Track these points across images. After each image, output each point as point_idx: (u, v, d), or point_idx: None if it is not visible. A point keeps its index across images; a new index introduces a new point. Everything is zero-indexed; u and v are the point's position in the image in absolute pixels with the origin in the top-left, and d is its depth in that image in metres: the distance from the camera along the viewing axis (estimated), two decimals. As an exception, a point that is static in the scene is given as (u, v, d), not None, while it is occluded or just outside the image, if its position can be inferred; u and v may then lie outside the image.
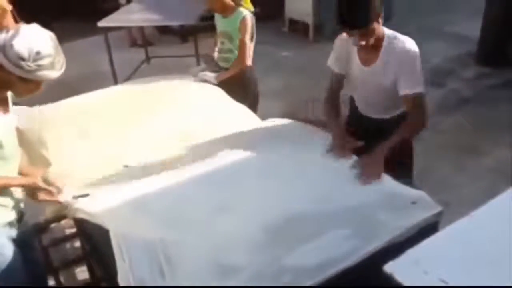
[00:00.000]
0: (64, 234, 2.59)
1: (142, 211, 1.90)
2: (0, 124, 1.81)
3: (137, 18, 5.02)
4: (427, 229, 1.69)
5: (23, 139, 2.11)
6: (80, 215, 1.99)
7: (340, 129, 2.31)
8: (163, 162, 2.23)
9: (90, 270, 2.49)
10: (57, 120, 2.59)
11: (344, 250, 1.64)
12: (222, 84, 3.11)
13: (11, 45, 1.65)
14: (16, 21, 3.05)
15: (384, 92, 2.26)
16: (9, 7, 2.57)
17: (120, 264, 1.64)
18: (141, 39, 6.29)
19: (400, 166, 2.20)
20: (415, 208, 1.82)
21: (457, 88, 5.01)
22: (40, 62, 1.68)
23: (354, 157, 2.13)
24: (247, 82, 3.30)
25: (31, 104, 2.59)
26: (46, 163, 2.27)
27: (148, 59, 5.98)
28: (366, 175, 2.01)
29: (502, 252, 1.31)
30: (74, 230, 2.45)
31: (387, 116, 2.36)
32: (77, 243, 2.63)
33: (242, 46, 3.18)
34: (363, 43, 2.11)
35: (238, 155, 2.24)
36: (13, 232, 1.93)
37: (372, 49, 2.18)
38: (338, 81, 2.41)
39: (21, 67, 1.67)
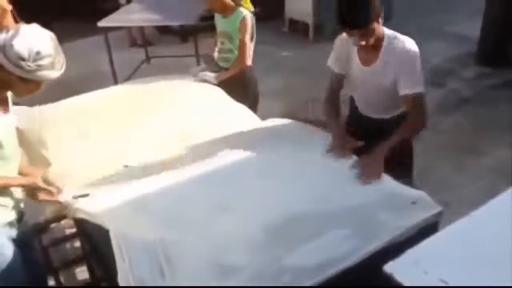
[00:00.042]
0: (64, 234, 2.59)
1: (142, 211, 1.90)
2: (0, 124, 1.81)
3: (137, 18, 5.02)
4: (427, 229, 1.69)
5: (23, 139, 2.11)
6: (80, 215, 1.99)
7: (340, 129, 2.31)
8: (163, 162, 2.23)
9: (90, 270, 2.49)
10: (57, 120, 2.59)
11: (344, 250, 1.64)
12: (222, 84, 3.11)
13: (11, 45, 1.65)
14: (16, 21, 3.05)
15: (384, 92, 2.26)
16: (9, 7, 2.57)
17: (120, 264, 1.64)
18: (141, 39, 6.29)
19: (400, 166, 2.20)
20: (415, 208, 1.82)
21: (457, 88, 5.01)
22: (40, 62, 1.68)
23: (354, 157, 2.13)
24: (247, 82, 3.30)
25: (31, 104, 2.59)
26: (46, 163, 2.27)
27: (148, 59, 5.98)
28: (366, 175, 2.01)
29: (502, 252, 1.31)
30: (74, 230, 2.45)
31: (387, 116, 2.36)
32: (77, 243, 2.63)
33: (242, 46, 3.18)
34: (363, 43, 2.10)
35: (238, 155, 2.24)
36: (13, 232, 1.93)
37: (372, 49, 2.18)
38: (338, 81, 2.41)
39: (21, 67, 1.67)
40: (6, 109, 1.86)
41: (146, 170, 2.17)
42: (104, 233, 1.76)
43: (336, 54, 2.38)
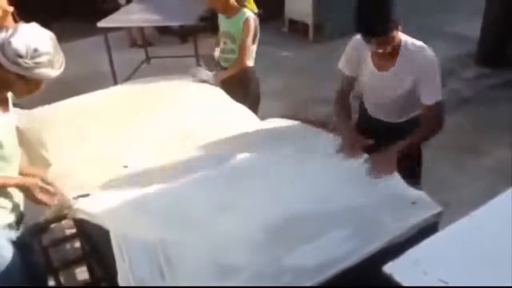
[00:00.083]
0: (64, 234, 2.58)
1: (142, 211, 1.90)
2: (0, 123, 1.80)
3: (137, 18, 5.03)
4: (427, 229, 1.69)
5: (23, 139, 2.10)
6: (80, 216, 1.98)
7: (350, 129, 2.30)
8: (163, 163, 2.23)
9: (90, 271, 2.49)
10: (57, 120, 2.59)
11: (344, 250, 1.64)
12: (223, 84, 3.11)
13: (9, 42, 1.64)
14: (15, 22, 3.05)
15: (399, 99, 2.24)
16: (10, 9, 2.57)
17: (120, 264, 1.64)
18: (141, 39, 6.29)
19: (409, 172, 2.17)
20: (415, 208, 1.82)
21: (457, 88, 5.01)
22: (38, 60, 1.67)
23: (365, 155, 2.12)
24: (248, 82, 3.31)
25: (31, 104, 2.59)
26: (46, 164, 2.26)
27: (148, 59, 5.97)
28: (378, 170, 2.01)
29: (502, 252, 1.31)
30: (74, 230, 2.45)
31: (399, 120, 2.35)
32: (77, 244, 2.62)
33: (243, 47, 3.19)
34: (381, 50, 2.08)
35: (238, 155, 2.24)
36: (13, 234, 1.92)
37: (387, 54, 2.14)
38: (349, 83, 2.40)
39: (18, 64, 1.66)
40: (6, 108, 1.85)
41: (146, 171, 2.17)
42: (104, 233, 1.76)
43: (348, 56, 2.35)
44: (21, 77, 1.71)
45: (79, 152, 2.33)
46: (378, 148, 2.13)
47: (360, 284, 1.64)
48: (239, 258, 1.65)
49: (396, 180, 1.98)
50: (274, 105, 4.09)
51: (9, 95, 1.88)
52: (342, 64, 2.39)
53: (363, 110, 2.51)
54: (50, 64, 1.71)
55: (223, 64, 3.36)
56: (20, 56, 1.65)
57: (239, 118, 2.70)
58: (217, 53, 3.41)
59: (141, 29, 6.11)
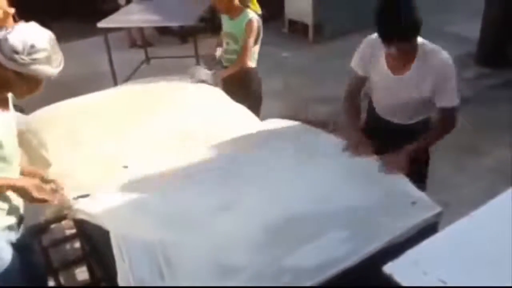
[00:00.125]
0: (64, 234, 2.58)
1: (142, 211, 1.90)
2: (0, 123, 1.79)
3: (136, 19, 5.03)
4: (427, 230, 1.69)
5: (23, 139, 2.10)
6: (80, 216, 1.98)
7: (357, 129, 2.30)
8: (163, 163, 2.23)
9: (90, 271, 2.49)
10: (57, 121, 2.59)
11: (344, 251, 1.64)
12: (224, 84, 3.12)
13: (6, 39, 1.64)
14: (15, 22, 3.05)
15: (412, 102, 2.22)
16: (11, 11, 2.57)
17: (120, 265, 1.64)
18: (141, 39, 6.29)
19: (416, 176, 2.14)
20: (415, 208, 1.82)
21: (457, 88, 5.01)
22: (35, 56, 1.67)
23: (371, 156, 2.13)
24: (250, 83, 3.32)
25: (31, 104, 2.59)
26: (46, 164, 2.26)
27: (147, 59, 5.98)
28: (390, 169, 2.02)
29: (502, 252, 1.31)
30: (74, 231, 2.45)
31: (410, 122, 2.33)
32: (77, 244, 2.62)
33: (244, 48, 3.19)
34: (400, 54, 2.06)
35: (238, 155, 2.24)
36: (13, 236, 1.92)
37: (404, 58, 2.12)
38: (361, 83, 2.37)
39: (15, 60, 1.65)
40: (6, 108, 1.85)
41: (146, 171, 2.17)
42: (104, 233, 1.76)
43: (361, 55, 2.30)
44: (19, 75, 1.70)
45: (79, 152, 2.32)
46: (386, 149, 2.13)
47: (360, 284, 1.64)
48: (239, 258, 1.65)
49: (396, 180, 1.98)
50: (274, 105, 4.10)
51: (9, 95, 1.88)
52: (354, 63, 2.34)
53: (371, 110, 2.48)
54: (48, 61, 1.70)
55: (226, 64, 3.37)
56: (17, 52, 1.65)
57: (239, 119, 2.70)
58: (218, 52, 3.41)
59: (141, 29, 6.11)
